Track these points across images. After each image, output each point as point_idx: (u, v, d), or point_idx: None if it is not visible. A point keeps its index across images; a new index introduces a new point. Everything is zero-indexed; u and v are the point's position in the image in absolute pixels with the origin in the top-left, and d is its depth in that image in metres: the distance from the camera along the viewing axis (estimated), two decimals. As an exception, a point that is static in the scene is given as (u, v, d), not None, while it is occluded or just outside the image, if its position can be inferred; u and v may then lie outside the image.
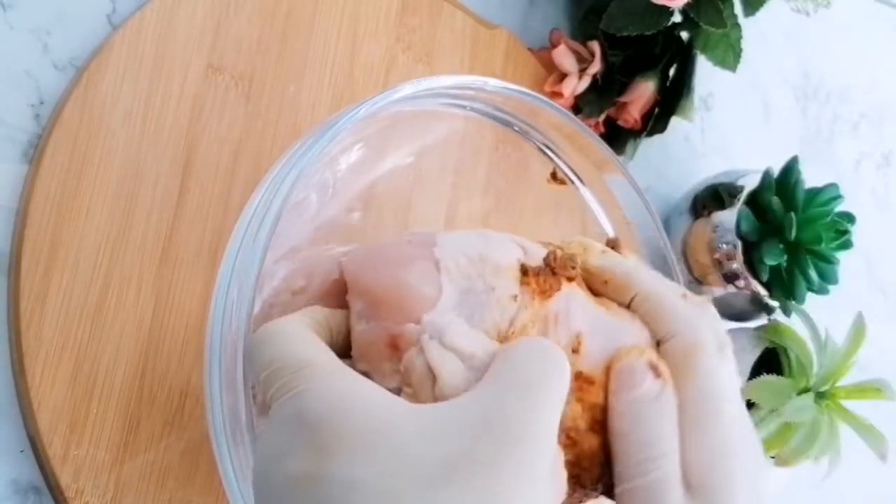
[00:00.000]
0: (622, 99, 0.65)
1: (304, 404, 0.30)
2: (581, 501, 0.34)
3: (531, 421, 0.29)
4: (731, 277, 0.66)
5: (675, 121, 0.67)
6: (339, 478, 0.28)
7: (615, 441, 0.33)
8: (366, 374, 0.34)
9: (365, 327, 0.35)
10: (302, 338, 0.34)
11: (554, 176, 0.50)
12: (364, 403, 0.30)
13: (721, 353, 0.34)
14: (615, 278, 0.36)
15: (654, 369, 0.33)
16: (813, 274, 0.64)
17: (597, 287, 0.37)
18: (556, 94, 0.64)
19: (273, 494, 0.30)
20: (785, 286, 0.65)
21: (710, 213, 0.67)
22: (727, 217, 0.66)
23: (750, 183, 0.67)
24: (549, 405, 0.30)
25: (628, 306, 0.36)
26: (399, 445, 0.28)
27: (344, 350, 0.36)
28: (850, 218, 0.65)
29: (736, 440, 0.33)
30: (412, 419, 0.29)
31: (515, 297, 0.35)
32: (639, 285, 0.36)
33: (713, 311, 0.36)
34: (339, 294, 0.38)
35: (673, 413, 0.32)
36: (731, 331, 0.67)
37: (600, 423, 0.34)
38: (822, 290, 0.65)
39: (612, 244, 0.39)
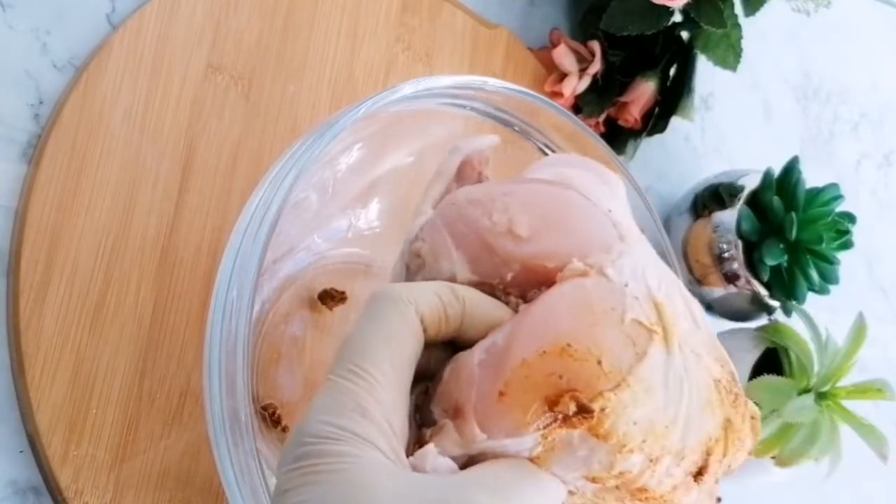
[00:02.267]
0: (622, 99, 0.65)
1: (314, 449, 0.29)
2: None
3: None
4: (731, 277, 0.66)
5: (675, 121, 0.67)
6: None
7: None
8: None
9: (480, 385, 0.32)
10: (400, 350, 0.32)
11: (554, 176, 0.50)
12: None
13: None
14: None
15: None
16: (813, 274, 0.64)
17: None
18: (556, 94, 0.64)
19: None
20: (785, 286, 0.65)
21: (710, 213, 0.67)
22: (727, 217, 0.66)
23: (750, 183, 0.67)
24: None
25: None
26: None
27: (443, 339, 0.34)
28: (850, 218, 0.65)
29: None
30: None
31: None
32: None
33: None
34: (523, 282, 0.35)
35: None
36: (731, 331, 0.67)
37: None
38: (822, 290, 0.65)
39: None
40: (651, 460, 0.32)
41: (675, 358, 0.33)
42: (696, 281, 0.69)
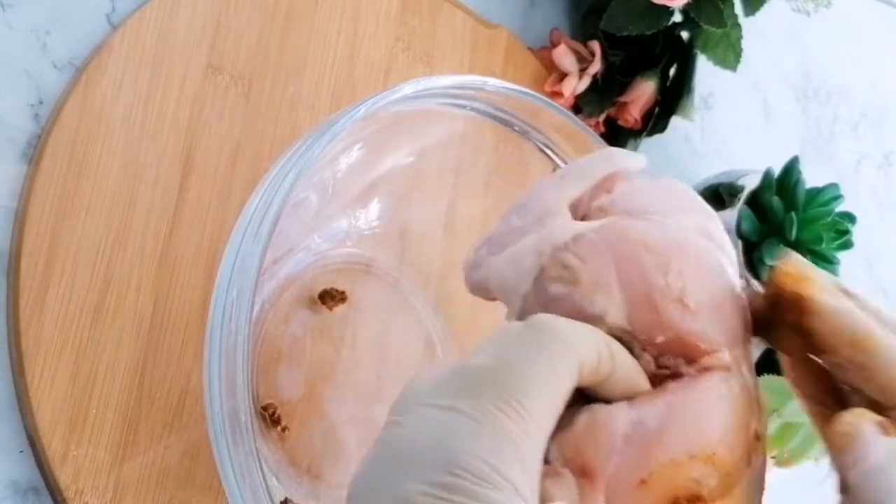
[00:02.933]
0: (622, 99, 0.65)
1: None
2: None
3: None
4: (731, 277, 0.66)
5: (675, 121, 0.67)
6: None
7: None
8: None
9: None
10: (559, 400, 0.30)
11: (554, 176, 0.50)
12: None
13: None
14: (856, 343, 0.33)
15: (883, 427, 0.32)
16: (813, 274, 0.64)
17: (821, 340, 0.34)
18: (556, 94, 0.64)
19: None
20: (785, 286, 0.65)
21: (710, 213, 0.67)
22: (728, 217, 0.66)
23: (750, 183, 0.67)
24: None
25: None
26: None
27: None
28: (850, 218, 0.65)
29: None
30: None
31: None
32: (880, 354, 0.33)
33: None
34: (665, 349, 0.34)
35: None
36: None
37: None
38: (822, 291, 0.65)
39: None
40: None
41: (762, 461, 0.34)
42: (695, 281, 0.69)
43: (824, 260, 0.64)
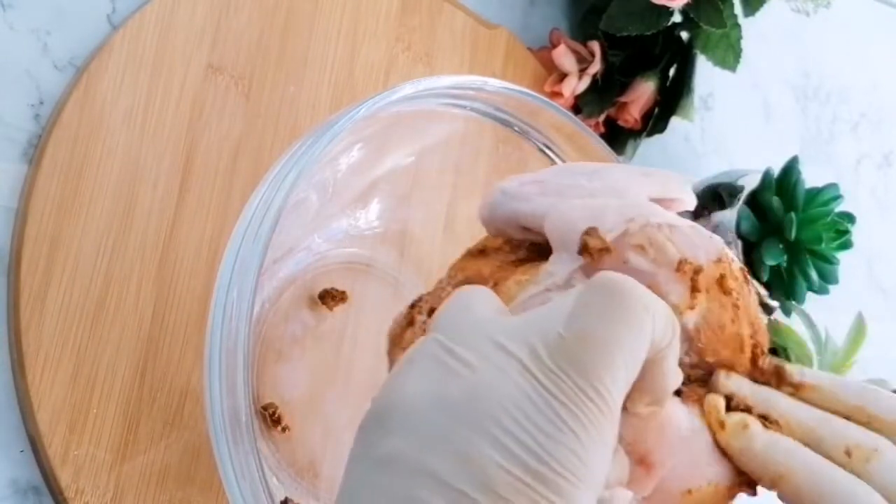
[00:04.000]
0: (622, 99, 0.65)
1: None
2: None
3: None
4: (731, 277, 0.66)
5: (675, 121, 0.67)
6: None
7: None
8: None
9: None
10: (633, 368, 0.28)
11: (554, 176, 0.50)
12: None
13: None
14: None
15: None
16: (813, 274, 0.64)
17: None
18: (556, 94, 0.64)
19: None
20: (785, 286, 0.65)
21: (710, 213, 0.67)
22: (727, 217, 0.66)
23: (750, 183, 0.67)
24: None
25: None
26: None
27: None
28: (850, 218, 0.65)
29: None
30: None
31: None
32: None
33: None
34: (703, 363, 0.34)
35: None
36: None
37: None
38: (822, 290, 0.65)
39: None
40: None
41: None
42: (695, 281, 0.69)
43: (824, 260, 0.64)
